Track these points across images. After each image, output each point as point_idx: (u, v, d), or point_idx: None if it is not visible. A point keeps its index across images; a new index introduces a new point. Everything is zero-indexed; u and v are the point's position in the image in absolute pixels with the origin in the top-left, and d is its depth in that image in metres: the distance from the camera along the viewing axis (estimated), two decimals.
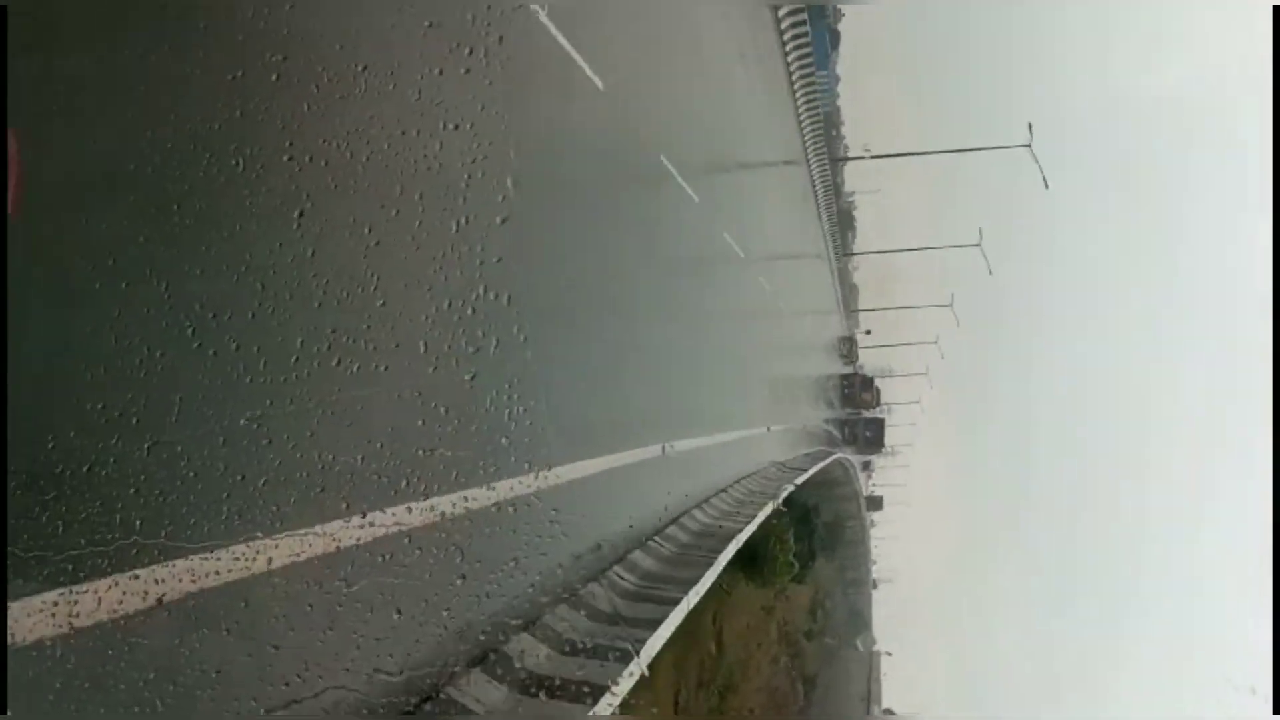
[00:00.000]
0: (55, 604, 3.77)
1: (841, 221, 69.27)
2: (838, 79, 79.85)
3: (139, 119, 4.37)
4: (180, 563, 4.19)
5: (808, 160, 45.77)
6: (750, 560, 22.01)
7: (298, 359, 4.63)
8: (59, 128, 4.01)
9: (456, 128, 5.01)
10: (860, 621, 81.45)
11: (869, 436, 70.98)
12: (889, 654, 79.86)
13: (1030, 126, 39.86)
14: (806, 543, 36.36)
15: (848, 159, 63.68)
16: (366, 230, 4.84)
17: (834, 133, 66.12)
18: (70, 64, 4.05)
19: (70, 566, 3.85)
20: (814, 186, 49.77)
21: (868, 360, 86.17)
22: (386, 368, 4.88)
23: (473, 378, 5.11)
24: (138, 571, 4.03)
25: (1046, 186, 41.78)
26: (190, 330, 4.29)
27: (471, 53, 5.32)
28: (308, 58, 4.94)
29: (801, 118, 40.38)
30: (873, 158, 54.85)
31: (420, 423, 4.93)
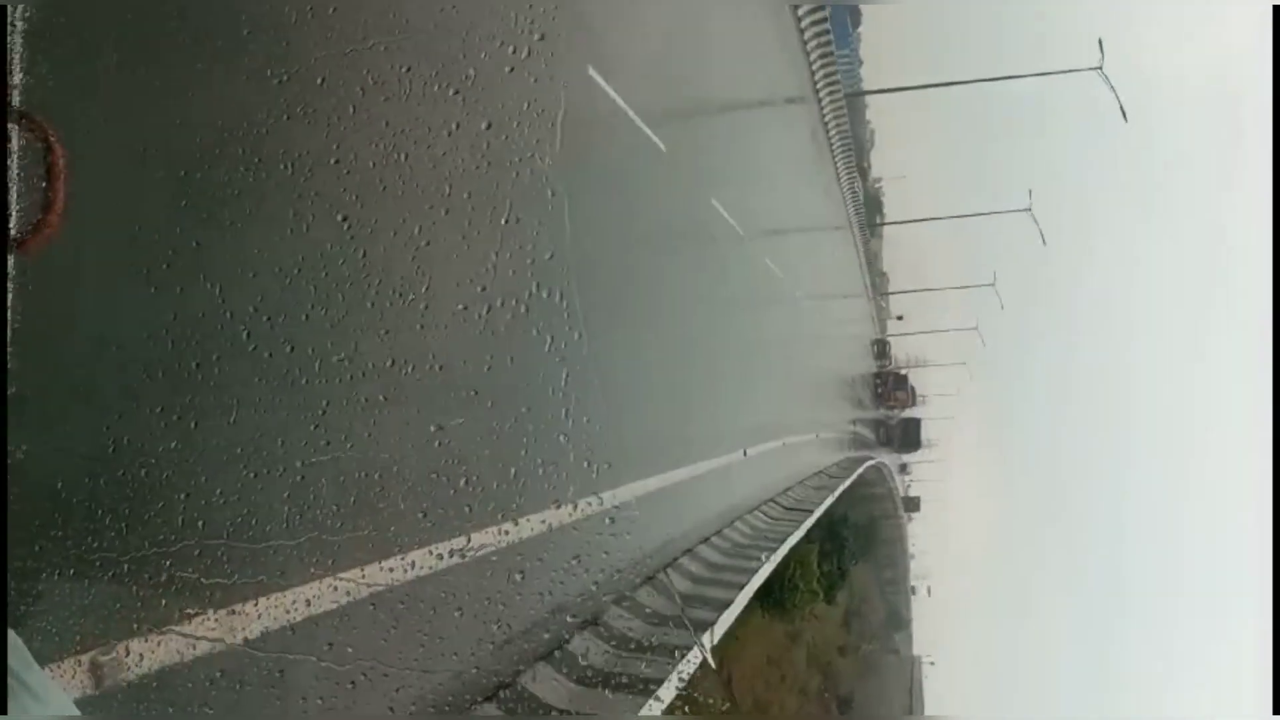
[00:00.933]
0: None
1: (869, 206, 65.99)
2: (860, 61, 77.43)
3: (186, 124, 4.40)
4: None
5: (829, 138, 38.66)
6: (766, 591, 18.74)
7: (350, 360, 4.66)
8: (105, 135, 4.05)
9: None
10: (898, 621, 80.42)
11: (905, 438, 68.06)
12: (931, 662, 77.63)
13: (1101, 44, 32.83)
14: (835, 559, 33.99)
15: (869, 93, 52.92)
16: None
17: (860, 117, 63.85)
18: (115, 68, 4.08)
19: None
20: (837, 173, 42.35)
21: (901, 349, 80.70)
22: (442, 367, 4.89)
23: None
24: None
25: (1125, 118, 34.44)
26: (245, 333, 4.32)
27: None
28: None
29: (823, 103, 34.89)
30: (905, 89, 43.72)
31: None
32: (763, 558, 14.38)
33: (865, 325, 64.25)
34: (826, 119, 36.06)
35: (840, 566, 35.22)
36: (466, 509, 4.93)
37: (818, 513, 20.59)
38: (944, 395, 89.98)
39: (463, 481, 4.89)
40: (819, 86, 33.52)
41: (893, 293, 79.58)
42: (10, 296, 3.35)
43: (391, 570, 4.82)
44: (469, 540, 5.02)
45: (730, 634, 13.62)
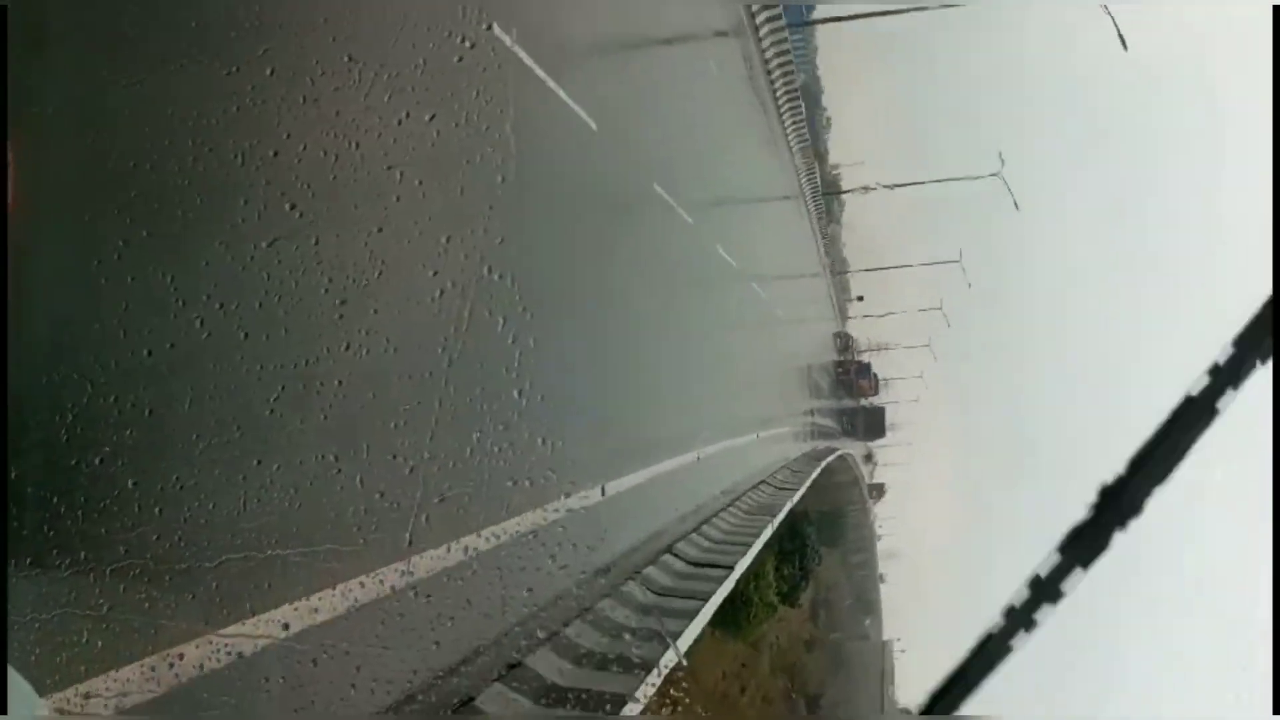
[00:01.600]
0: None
1: (827, 190, 63.95)
2: (815, 48, 76.42)
3: (135, 115, 4.43)
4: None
5: (785, 134, 36.91)
6: (718, 608, 14.68)
7: (304, 345, 4.72)
8: (54, 128, 4.07)
9: None
10: (867, 606, 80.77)
11: (869, 426, 67.89)
12: (902, 650, 74.47)
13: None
14: (798, 560, 32.34)
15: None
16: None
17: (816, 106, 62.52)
18: (61, 61, 4.10)
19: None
20: (794, 163, 40.07)
21: (862, 332, 78.13)
22: (397, 350, 4.96)
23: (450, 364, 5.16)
24: None
25: (1125, 48, 33.22)
26: (198, 320, 4.36)
27: None
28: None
29: (778, 91, 32.75)
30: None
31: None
32: (710, 587, 12.35)
33: (825, 306, 61.63)
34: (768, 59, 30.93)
35: (803, 567, 33.26)
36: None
37: (766, 534, 17.44)
38: (907, 379, 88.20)
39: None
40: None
41: (853, 271, 75.62)
42: None
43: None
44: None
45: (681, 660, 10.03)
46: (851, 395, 65.21)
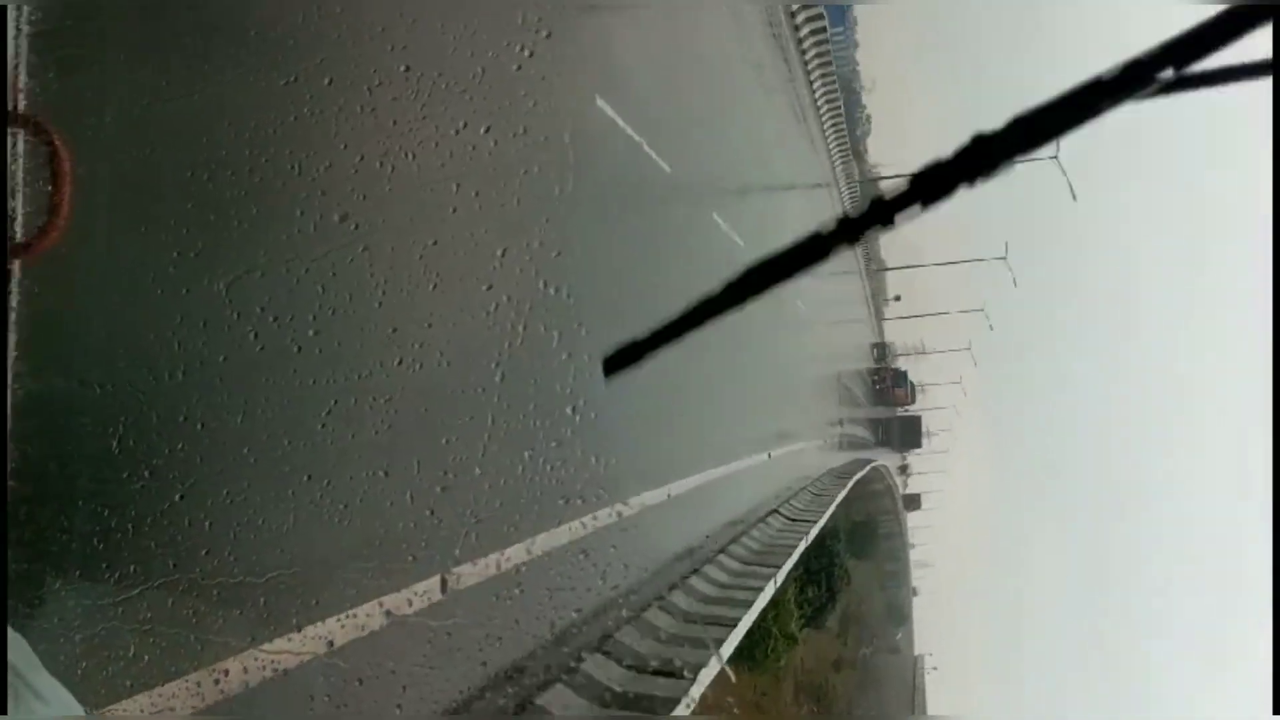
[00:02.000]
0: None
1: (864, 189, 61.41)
2: (856, 44, 74.30)
3: (192, 125, 4.41)
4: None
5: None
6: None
7: (357, 359, 4.67)
8: (110, 137, 4.05)
9: None
10: (899, 616, 79.93)
11: (904, 437, 64.94)
12: (934, 668, 70.36)
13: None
14: (824, 581, 29.43)
15: None
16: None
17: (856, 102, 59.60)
18: (121, 70, 4.09)
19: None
20: (833, 169, 39.69)
21: (897, 335, 74.26)
22: (450, 364, 4.91)
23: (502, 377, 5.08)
24: None
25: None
26: (252, 334, 4.33)
27: None
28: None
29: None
30: None
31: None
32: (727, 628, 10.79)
33: (860, 307, 58.61)
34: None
35: (830, 588, 30.42)
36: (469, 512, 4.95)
37: (786, 566, 15.28)
38: (944, 384, 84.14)
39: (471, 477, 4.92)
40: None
41: (890, 268, 69.52)
42: (16, 300, 3.37)
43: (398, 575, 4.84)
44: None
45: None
46: (887, 404, 62.67)
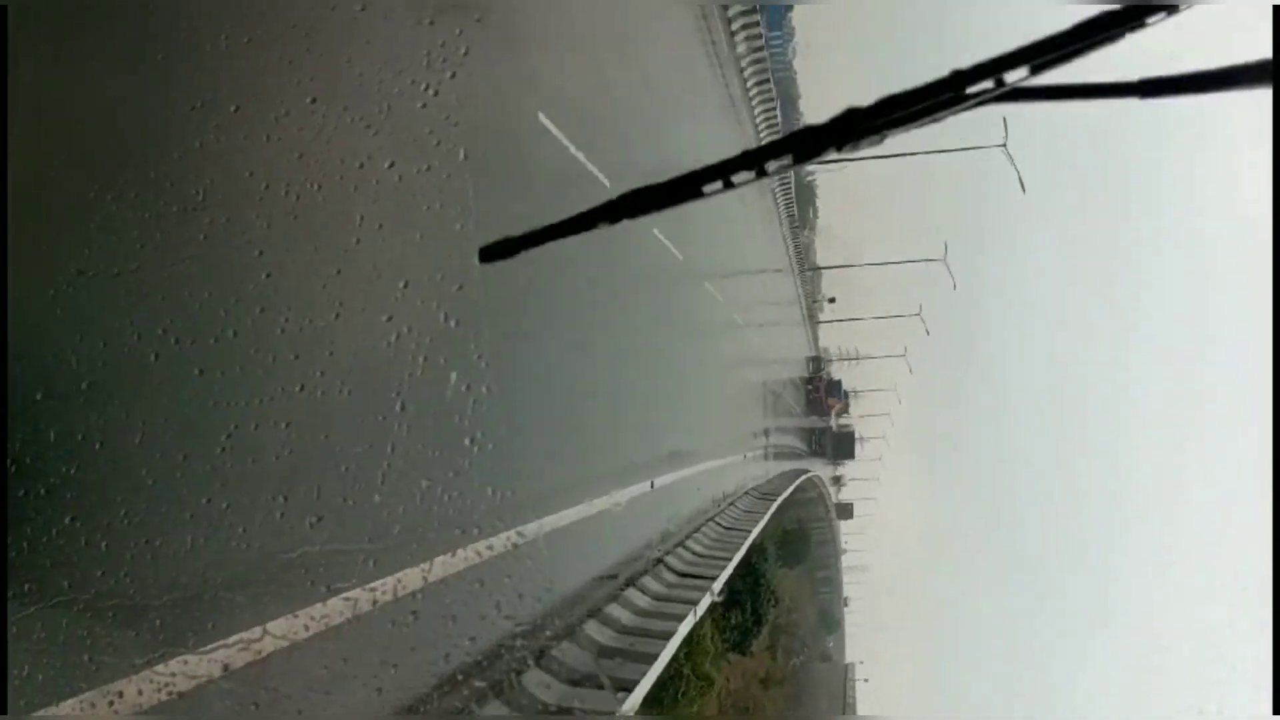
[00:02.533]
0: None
1: (800, 195, 59.37)
2: (794, 51, 70.78)
3: (96, 143, 4.41)
4: None
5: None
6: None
7: (259, 385, 4.71)
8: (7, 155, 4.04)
9: None
10: (831, 623, 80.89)
11: (837, 448, 65.91)
12: (865, 679, 66.80)
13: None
14: (749, 605, 27.26)
15: None
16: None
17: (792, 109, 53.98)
18: (20, 89, 4.07)
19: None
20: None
21: (831, 340, 73.52)
22: (350, 393, 4.96)
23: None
24: None
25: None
26: (153, 355, 4.34)
27: None
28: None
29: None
30: None
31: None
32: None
33: (793, 309, 56.73)
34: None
35: (756, 612, 28.10)
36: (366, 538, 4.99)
37: (703, 604, 13.78)
38: (883, 390, 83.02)
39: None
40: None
41: (825, 267, 68.89)
42: None
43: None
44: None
45: None
46: (820, 413, 63.37)
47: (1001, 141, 41.85)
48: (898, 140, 1.45)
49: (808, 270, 63.53)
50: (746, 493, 25.85)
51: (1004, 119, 38.27)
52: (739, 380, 30.51)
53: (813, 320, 68.54)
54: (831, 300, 68.41)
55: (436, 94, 5.21)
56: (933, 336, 66.35)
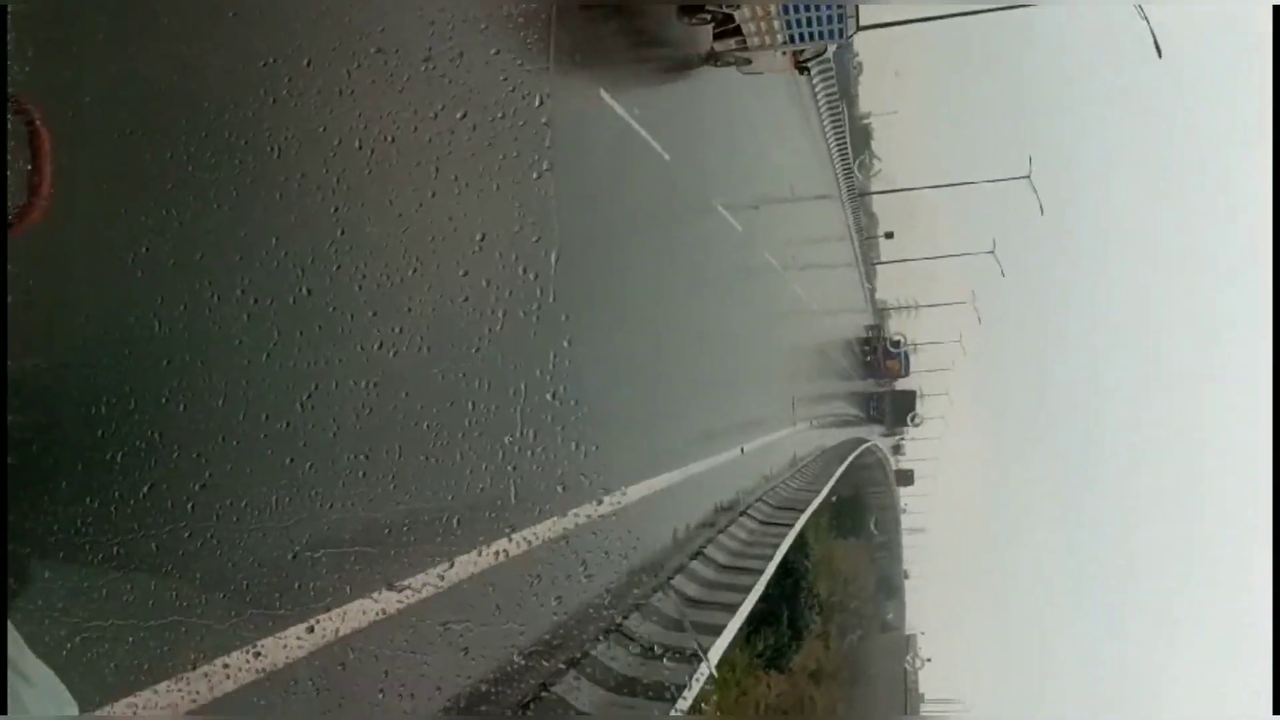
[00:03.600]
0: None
1: (857, 139, 50.74)
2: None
3: (172, 106, 4.38)
4: None
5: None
6: None
7: (336, 344, 4.67)
8: (91, 116, 4.02)
9: None
10: (890, 589, 79.83)
11: (896, 412, 62.64)
12: (928, 659, 60.09)
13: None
14: (785, 618, 23.16)
15: None
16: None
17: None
18: (102, 49, 4.05)
19: None
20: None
21: (886, 289, 66.44)
22: (430, 349, 4.91)
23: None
24: None
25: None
26: (233, 318, 4.33)
27: None
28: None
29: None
30: None
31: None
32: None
33: (843, 247, 49.73)
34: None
35: (794, 625, 23.83)
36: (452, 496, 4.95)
37: (747, 604, 12.84)
38: (941, 343, 72.61)
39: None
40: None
41: (878, 192, 56.51)
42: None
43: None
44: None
45: None
46: (877, 377, 60.55)
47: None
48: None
49: (856, 195, 52.02)
50: (801, 468, 23.61)
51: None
52: (789, 343, 28.60)
53: (867, 262, 60.64)
54: (889, 235, 60.51)
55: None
56: (1008, 278, 57.00)
